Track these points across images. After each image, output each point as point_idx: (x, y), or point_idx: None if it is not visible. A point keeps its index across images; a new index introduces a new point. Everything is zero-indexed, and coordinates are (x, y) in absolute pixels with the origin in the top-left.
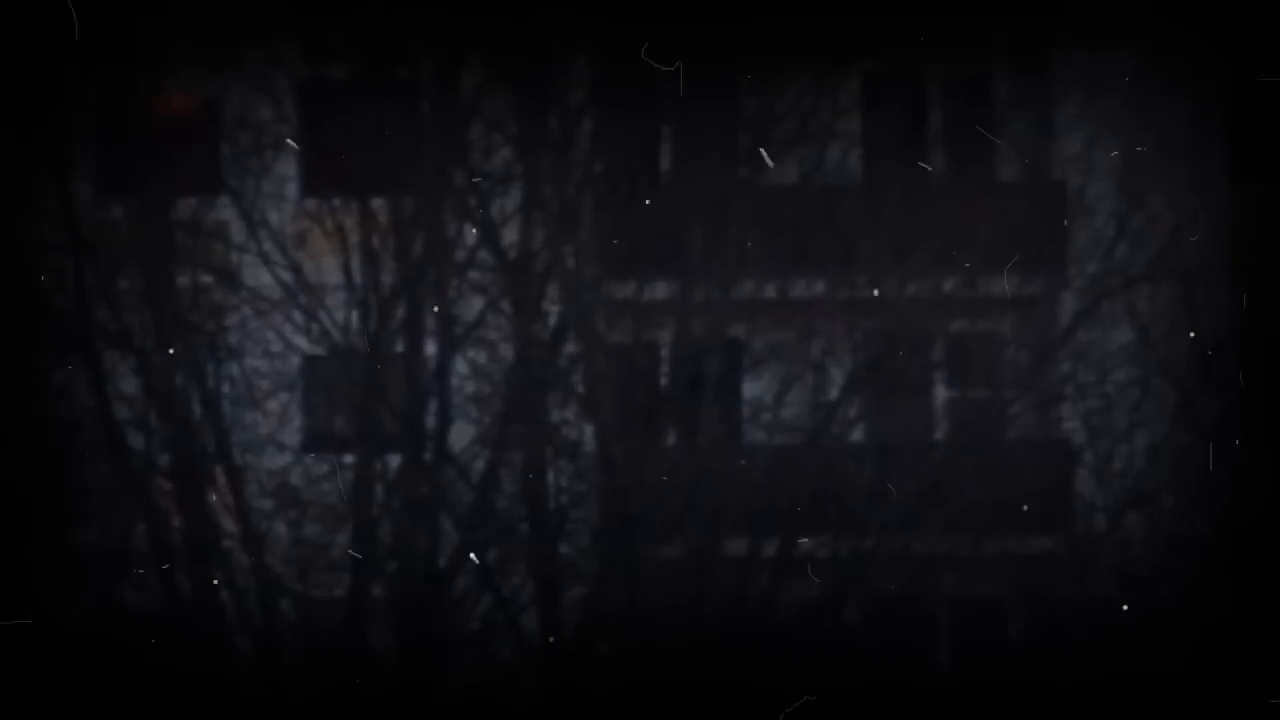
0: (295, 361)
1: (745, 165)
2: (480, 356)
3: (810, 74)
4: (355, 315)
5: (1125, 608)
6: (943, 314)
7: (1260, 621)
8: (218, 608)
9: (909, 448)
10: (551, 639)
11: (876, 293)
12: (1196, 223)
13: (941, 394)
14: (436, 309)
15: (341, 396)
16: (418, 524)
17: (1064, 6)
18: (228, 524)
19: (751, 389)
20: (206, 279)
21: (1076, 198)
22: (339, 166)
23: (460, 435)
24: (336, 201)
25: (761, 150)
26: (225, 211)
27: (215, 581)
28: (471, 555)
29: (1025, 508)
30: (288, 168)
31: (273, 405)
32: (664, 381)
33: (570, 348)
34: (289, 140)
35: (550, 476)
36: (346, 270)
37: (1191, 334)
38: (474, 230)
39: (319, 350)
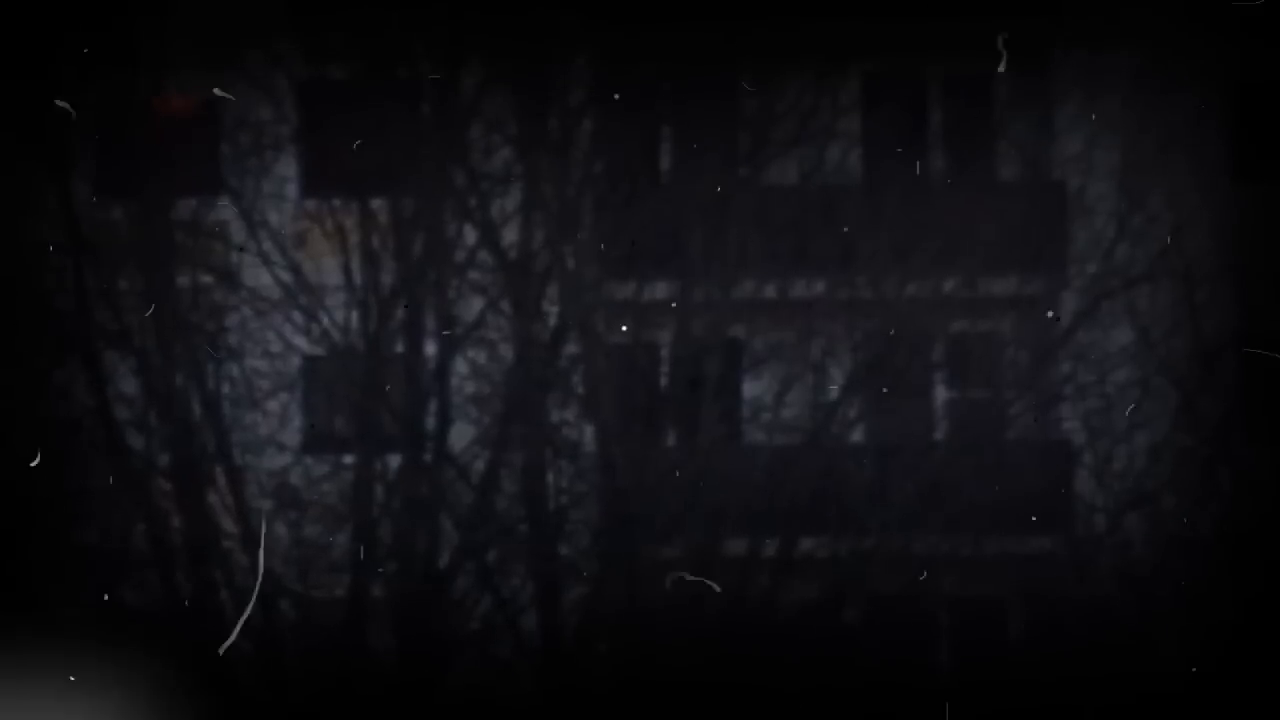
0: (295, 362)
1: (745, 165)
2: (480, 357)
3: (810, 74)
4: (355, 315)
5: (1127, 608)
6: (943, 314)
7: (1261, 621)
8: (217, 608)
9: (909, 448)
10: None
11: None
12: (1197, 223)
13: (941, 394)
14: (446, 332)
15: (341, 397)
16: (418, 524)
17: (1064, 6)
18: (227, 524)
19: (751, 389)
20: (206, 279)
21: (1077, 198)
22: (339, 167)
23: (460, 436)
24: (336, 202)
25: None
26: (225, 212)
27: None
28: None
29: (1034, 518)
30: (288, 168)
31: (273, 405)
32: (664, 382)
33: (570, 348)
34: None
35: (550, 477)
36: (346, 270)
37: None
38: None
39: (319, 350)
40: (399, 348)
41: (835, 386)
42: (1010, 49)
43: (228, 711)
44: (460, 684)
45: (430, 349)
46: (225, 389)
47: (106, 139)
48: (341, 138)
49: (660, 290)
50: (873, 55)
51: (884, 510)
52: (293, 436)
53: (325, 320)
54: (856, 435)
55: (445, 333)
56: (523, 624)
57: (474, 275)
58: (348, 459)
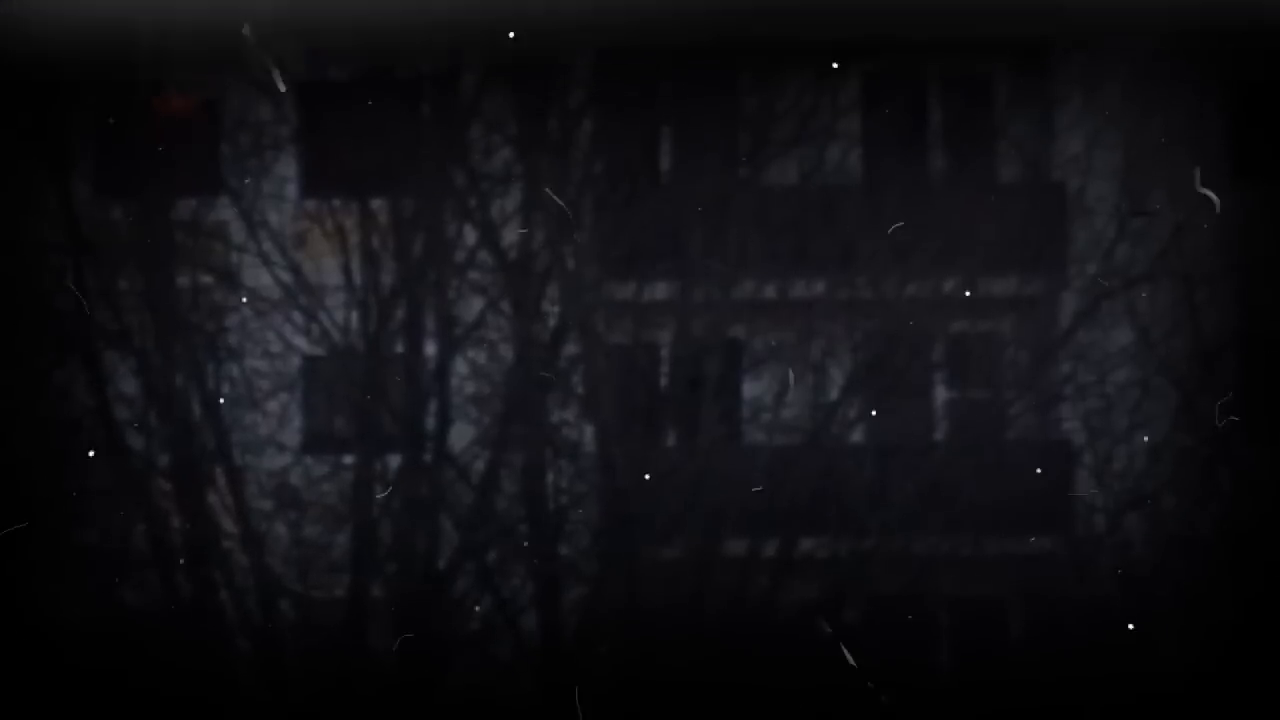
0: (295, 362)
1: (745, 165)
2: (480, 357)
3: (810, 74)
4: (355, 316)
5: (1127, 608)
6: (943, 314)
7: (1261, 621)
8: (217, 608)
9: (909, 448)
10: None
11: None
12: (1198, 223)
13: (941, 394)
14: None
15: (341, 397)
16: (417, 525)
17: (1064, 6)
18: (227, 524)
19: (751, 389)
20: (206, 279)
21: (1077, 198)
22: (339, 167)
23: (460, 436)
24: (336, 202)
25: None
26: (225, 212)
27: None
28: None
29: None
30: (287, 168)
31: (273, 406)
32: (664, 382)
33: (570, 348)
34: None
35: (550, 477)
36: (346, 271)
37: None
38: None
39: (319, 351)
40: (399, 348)
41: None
42: (1010, 49)
43: (228, 711)
44: (460, 684)
45: (430, 349)
46: (225, 389)
47: (106, 139)
48: (341, 138)
49: (660, 291)
50: (873, 55)
51: (884, 510)
52: (292, 437)
53: (325, 320)
54: (856, 435)
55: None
56: (523, 624)
57: (474, 275)
58: (348, 459)
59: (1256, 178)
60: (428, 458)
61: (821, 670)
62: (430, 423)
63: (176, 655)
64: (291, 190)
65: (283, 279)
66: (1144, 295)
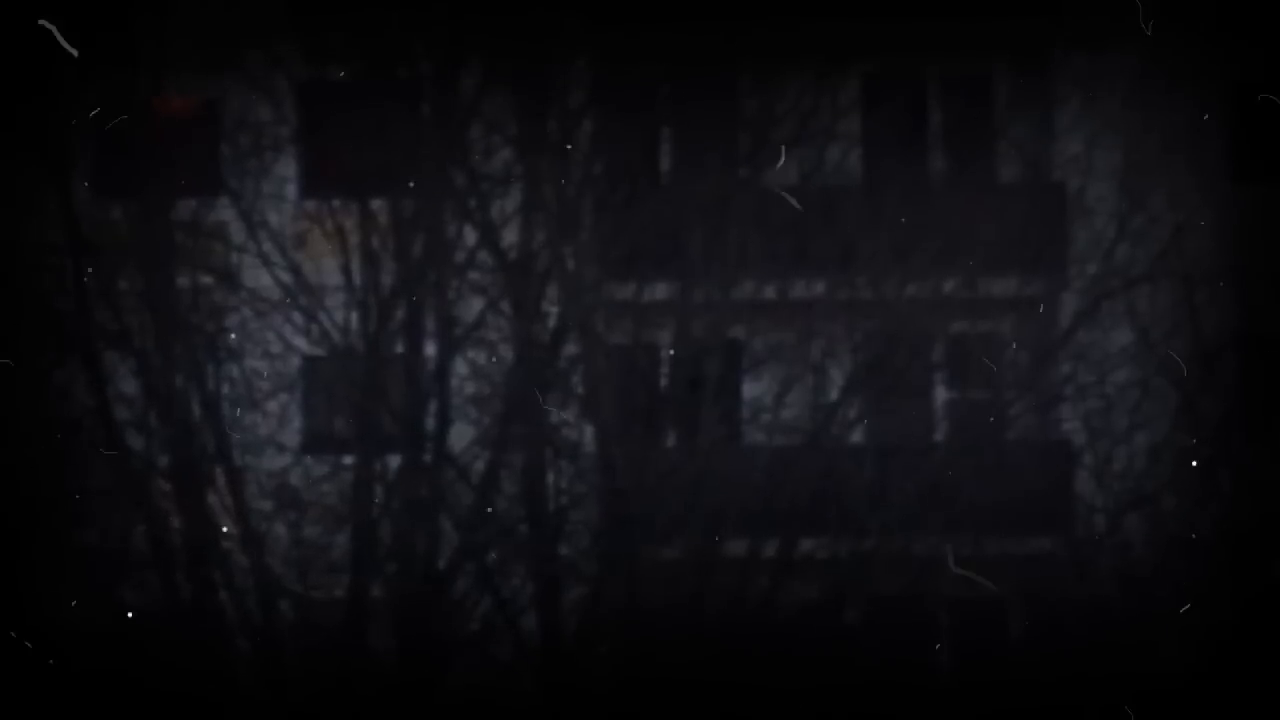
0: (295, 362)
1: (745, 165)
2: (480, 357)
3: (810, 74)
4: (355, 316)
5: (1127, 608)
6: (943, 315)
7: (1261, 621)
8: (217, 608)
9: (909, 449)
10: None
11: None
12: (1197, 224)
13: (941, 395)
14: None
15: (341, 397)
16: (417, 525)
17: (1064, 7)
18: (227, 525)
19: (751, 390)
20: (206, 280)
21: (1077, 198)
22: (339, 167)
23: (460, 436)
24: (336, 202)
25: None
26: (225, 212)
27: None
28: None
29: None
30: (287, 168)
31: (272, 406)
32: (664, 383)
33: (570, 349)
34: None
35: (550, 478)
36: (346, 271)
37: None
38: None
39: (319, 351)
40: (399, 348)
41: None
42: (1010, 50)
43: (228, 711)
44: (460, 684)
45: (430, 349)
46: (225, 390)
47: (106, 139)
48: (341, 138)
49: (660, 291)
50: (873, 55)
51: (884, 511)
52: (292, 437)
53: (325, 321)
54: (856, 436)
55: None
56: (523, 624)
57: (474, 276)
58: (347, 460)
59: (1255, 179)
60: (428, 458)
61: (821, 670)
62: (430, 423)
63: (176, 655)
64: (291, 191)
65: (283, 279)
66: (1146, 296)
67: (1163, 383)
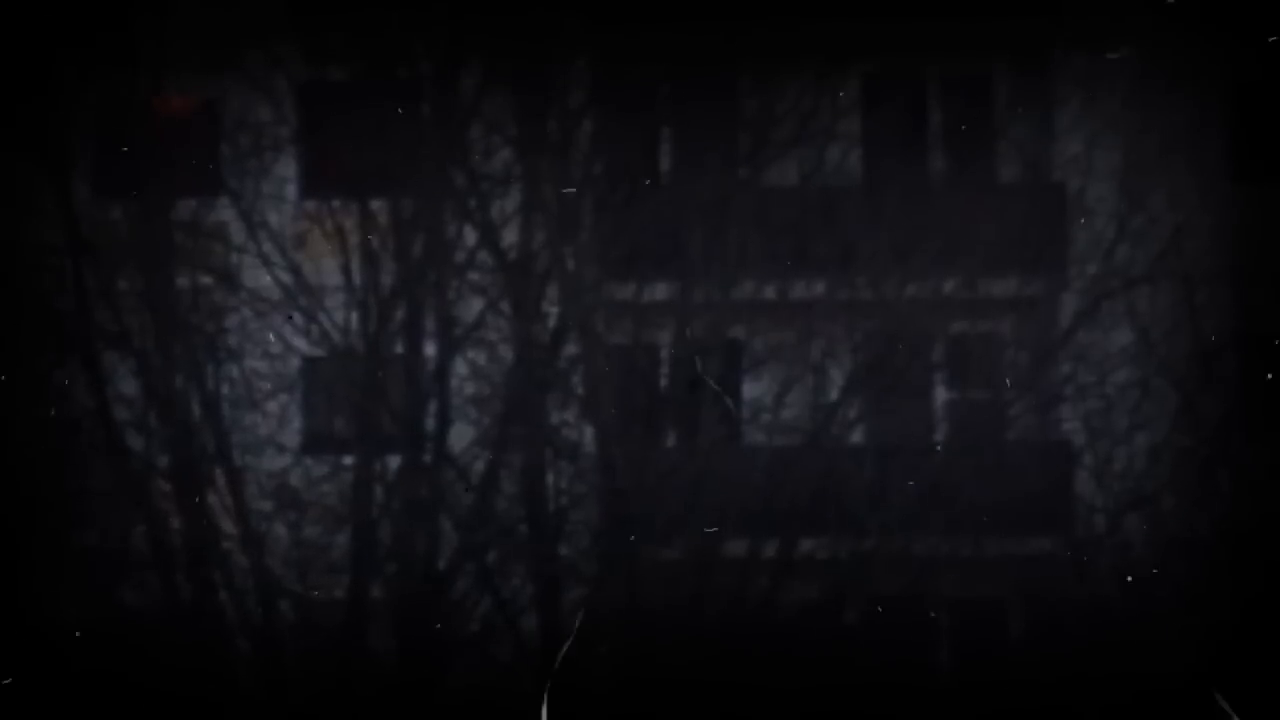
0: (295, 363)
1: (745, 166)
2: (480, 358)
3: (810, 74)
4: (355, 316)
5: (1127, 609)
6: (943, 315)
7: (1260, 622)
8: (217, 609)
9: (909, 449)
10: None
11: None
12: (1198, 224)
13: (941, 395)
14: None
15: (341, 398)
16: (417, 525)
17: (1064, 7)
18: (227, 525)
19: (751, 390)
20: (206, 280)
21: (1077, 199)
22: (339, 167)
23: (460, 436)
24: (336, 203)
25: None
26: (225, 213)
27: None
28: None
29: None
30: (287, 169)
31: (272, 407)
32: (664, 383)
33: (570, 349)
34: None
35: (550, 478)
36: (346, 271)
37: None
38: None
39: (319, 352)
40: (399, 349)
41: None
42: (1010, 50)
43: (228, 711)
44: (460, 685)
45: (430, 350)
46: (225, 390)
47: (106, 139)
48: (341, 138)
49: (660, 291)
50: (873, 55)
51: (884, 511)
52: (292, 438)
53: (325, 321)
54: (856, 436)
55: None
56: (523, 625)
57: (474, 276)
58: (347, 460)
59: (1256, 179)
60: (427, 459)
61: (821, 670)
62: (430, 423)
63: (176, 655)
64: (291, 191)
65: (282, 280)
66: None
67: (1163, 383)
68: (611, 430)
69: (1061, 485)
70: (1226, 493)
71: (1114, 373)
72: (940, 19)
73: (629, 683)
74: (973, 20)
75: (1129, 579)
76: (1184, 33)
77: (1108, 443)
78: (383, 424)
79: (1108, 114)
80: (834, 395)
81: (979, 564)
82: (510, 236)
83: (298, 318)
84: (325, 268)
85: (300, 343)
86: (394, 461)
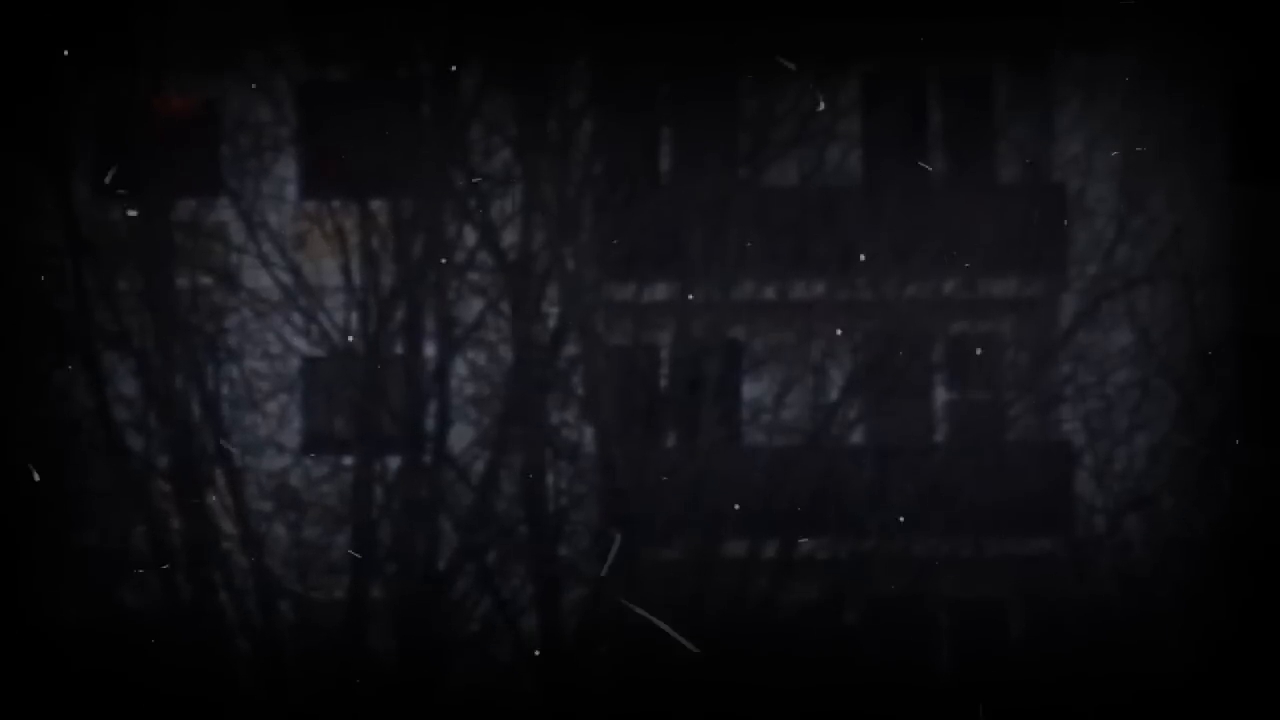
0: (294, 363)
1: (745, 166)
2: (480, 358)
3: (810, 74)
4: (355, 317)
5: (1127, 609)
6: (943, 315)
7: (1260, 622)
8: (217, 609)
9: (909, 449)
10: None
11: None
12: (1197, 224)
13: (941, 395)
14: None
15: (341, 398)
16: (417, 526)
17: (1064, 7)
18: (227, 526)
19: (751, 390)
20: (206, 280)
21: (1077, 199)
22: (338, 168)
23: (460, 437)
24: (336, 203)
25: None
26: (225, 213)
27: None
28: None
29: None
30: (287, 169)
31: (272, 407)
32: (664, 383)
33: (570, 349)
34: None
35: (550, 478)
36: (346, 272)
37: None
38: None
39: (318, 352)
40: (398, 349)
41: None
42: (1010, 50)
43: (228, 711)
44: (460, 685)
45: (430, 350)
46: (225, 390)
47: (106, 139)
48: (341, 138)
49: (660, 292)
50: (873, 55)
51: (884, 512)
52: (292, 438)
53: (325, 321)
54: (856, 437)
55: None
56: (522, 625)
57: (474, 276)
58: (347, 460)
59: (1254, 180)
60: (427, 459)
61: (821, 670)
62: (430, 424)
63: (176, 656)
64: (291, 191)
65: (282, 280)
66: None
67: (1162, 383)
68: (611, 430)
69: (1061, 485)
70: (1226, 493)
71: (1114, 373)
72: (940, 19)
73: (629, 683)
74: (973, 20)
75: (1129, 579)
76: (1184, 33)
77: (1108, 443)
78: (383, 424)
79: (1108, 114)
80: (834, 396)
81: (979, 564)
82: (510, 237)
83: (299, 318)
84: (325, 268)
85: (300, 343)
86: (394, 462)
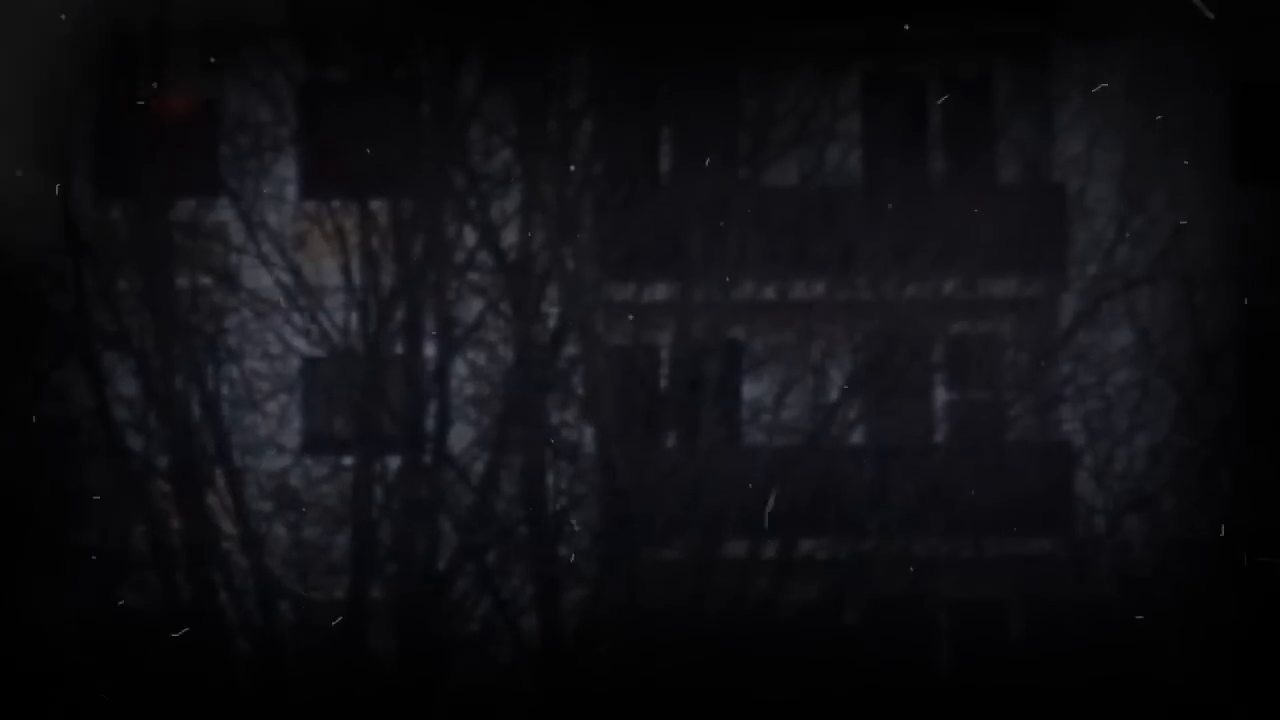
0: (294, 363)
1: (745, 166)
2: (480, 358)
3: (810, 74)
4: (355, 317)
5: (1127, 609)
6: (943, 316)
7: (1260, 622)
8: (217, 609)
9: (909, 450)
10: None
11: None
12: (1198, 224)
13: (941, 396)
14: (432, 334)
15: (341, 398)
16: (417, 526)
17: (1064, 6)
18: (227, 526)
19: (751, 391)
20: (205, 281)
21: (1077, 199)
22: (338, 168)
23: (460, 437)
24: (336, 203)
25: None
26: (225, 213)
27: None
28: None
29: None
30: (287, 169)
31: (272, 407)
32: (664, 383)
33: (570, 349)
34: None
35: (550, 478)
36: (346, 272)
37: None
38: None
39: (318, 352)
40: (398, 349)
41: (844, 386)
42: (1010, 49)
43: (228, 712)
44: (460, 685)
45: (430, 350)
46: (225, 390)
47: (107, 139)
48: (341, 138)
49: (660, 292)
50: (873, 55)
51: (884, 512)
52: (292, 438)
53: (325, 322)
54: (856, 437)
55: (433, 333)
56: (523, 625)
57: (474, 277)
58: (347, 461)
59: (1257, 179)
60: (427, 459)
61: (821, 671)
62: (430, 424)
63: (176, 656)
64: (291, 191)
65: (282, 280)
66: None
67: (1163, 384)
68: (611, 430)
69: (1061, 486)
70: (1227, 493)
71: (1114, 373)
72: (940, 19)
73: (629, 684)
74: (973, 20)
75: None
76: (1184, 32)
77: (1108, 443)
78: (383, 424)
79: (1108, 114)
80: (834, 396)
81: (979, 564)
82: (510, 237)
83: (299, 318)
84: (325, 268)
85: (300, 343)
86: (394, 462)
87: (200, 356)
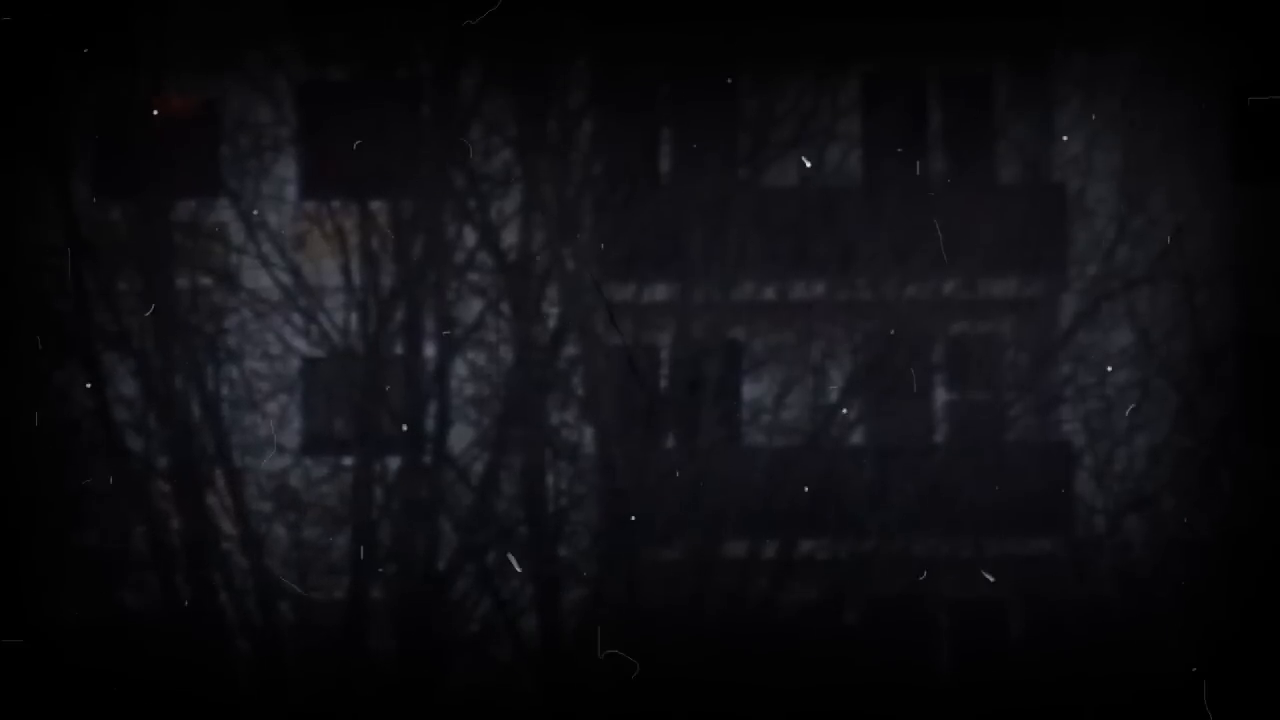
0: (295, 363)
1: (745, 165)
2: (480, 358)
3: (810, 74)
4: (355, 317)
5: (1127, 609)
6: (943, 316)
7: (1260, 622)
8: (217, 609)
9: (909, 450)
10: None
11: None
12: (1198, 224)
13: (941, 396)
14: (446, 332)
15: (341, 398)
16: (417, 526)
17: (1065, 7)
18: (226, 526)
19: (751, 391)
20: (205, 281)
21: (1077, 199)
22: (338, 168)
23: (460, 437)
24: (336, 203)
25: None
26: (225, 213)
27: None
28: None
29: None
30: (287, 169)
31: (272, 407)
32: (664, 384)
33: (570, 350)
34: None
35: (550, 479)
36: (346, 272)
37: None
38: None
39: (318, 352)
40: (398, 349)
41: (834, 387)
42: (1010, 50)
43: (228, 712)
44: (460, 685)
45: (430, 350)
46: (224, 391)
47: (106, 140)
48: (341, 139)
49: (660, 292)
50: (873, 55)
51: (884, 512)
52: (292, 439)
53: (324, 322)
54: (856, 437)
55: (445, 333)
56: (522, 625)
57: (473, 277)
58: (347, 461)
59: (1255, 179)
60: (427, 459)
61: (821, 671)
62: (430, 424)
63: (176, 656)
64: (291, 191)
65: (282, 280)
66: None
67: (1163, 384)
68: (611, 430)
69: (1061, 485)
70: (1227, 494)
71: (1114, 373)
72: (940, 19)
73: (629, 683)
74: (973, 20)
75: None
76: (1184, 33)
77: (1108, 444)
78: (383, 425)
79: (1108, 114)
80: (834, 396)
81: (979, 565)
82: (510, 237)
83: (299, 319)
84: (325, 268)
85: (300, 343)
86: (394, 462)
87: (200, 356)
